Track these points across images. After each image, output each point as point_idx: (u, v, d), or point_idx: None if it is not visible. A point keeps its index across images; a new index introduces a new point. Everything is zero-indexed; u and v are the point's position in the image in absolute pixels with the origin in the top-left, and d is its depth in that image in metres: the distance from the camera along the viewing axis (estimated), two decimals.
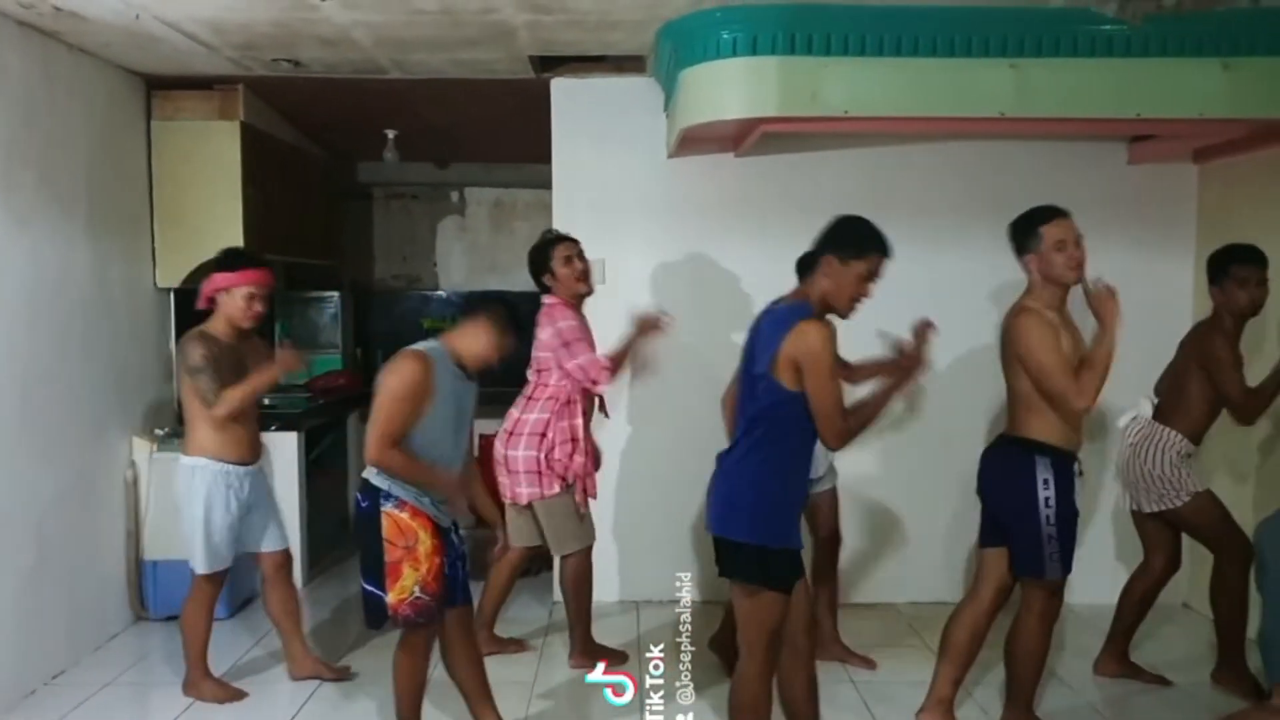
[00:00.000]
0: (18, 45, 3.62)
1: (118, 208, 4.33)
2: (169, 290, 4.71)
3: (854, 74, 3.59)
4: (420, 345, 2.88)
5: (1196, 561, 4.06)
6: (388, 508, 2.84)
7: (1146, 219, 4.56)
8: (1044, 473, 3.03)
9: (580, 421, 3.77)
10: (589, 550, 3.85)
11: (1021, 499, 3.05)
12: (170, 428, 4.54)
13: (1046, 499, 3.02)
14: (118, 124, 4.37)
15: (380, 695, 3.57)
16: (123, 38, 3.87)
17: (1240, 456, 4.25)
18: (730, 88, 3.69)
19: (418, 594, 2.85)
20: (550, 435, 3.72)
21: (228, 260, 3.53)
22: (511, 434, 3.74)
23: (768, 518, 2.67)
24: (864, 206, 4.52)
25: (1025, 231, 3.09)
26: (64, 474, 3.90)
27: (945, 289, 4.59)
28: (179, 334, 4.74)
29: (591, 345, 3.74)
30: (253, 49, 4.08)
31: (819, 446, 3.68)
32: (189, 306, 4.79)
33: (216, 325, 3.49)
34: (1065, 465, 3.05)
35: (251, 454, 3.57)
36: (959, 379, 4.44)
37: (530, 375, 3.80)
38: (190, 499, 3.48)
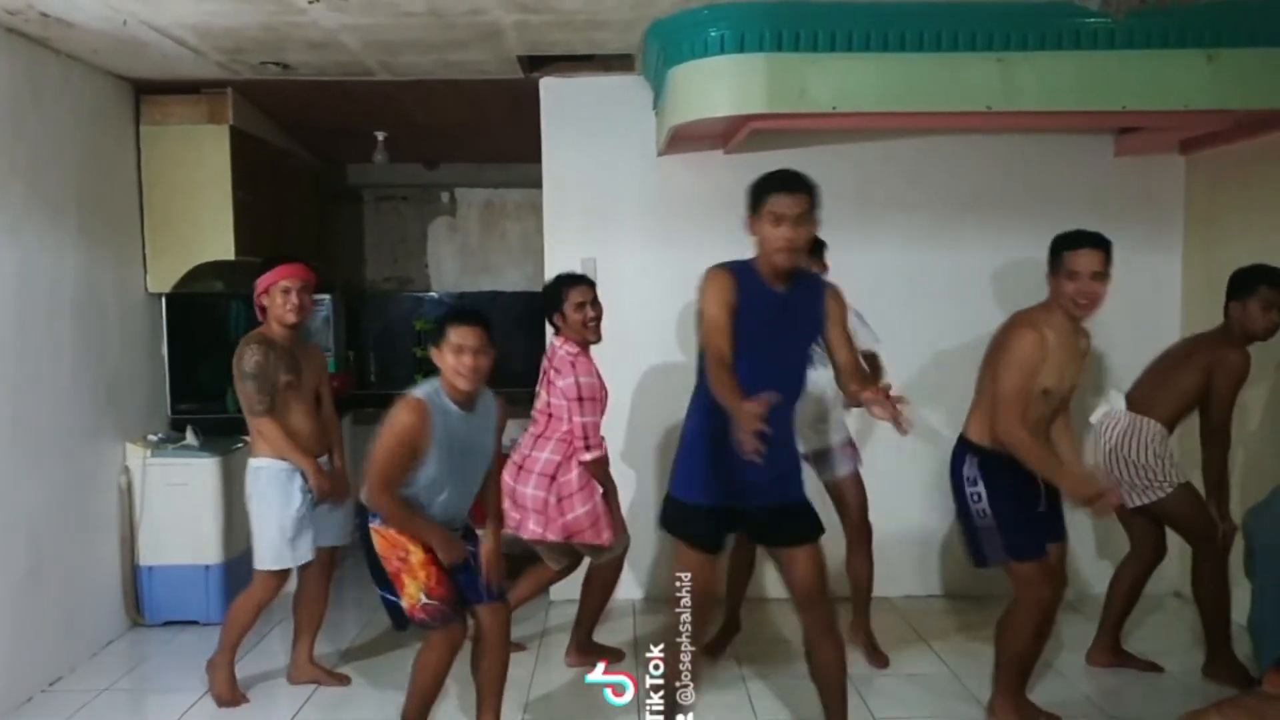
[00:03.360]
0: (5, 52, 3.61)
1: (108, 213, 4.33)
2: (160, 295, 4.71)
3: (841, 70, 3.61)
4: (419, 390, 2.89)
5: (1186, 550, 4.07)
6: (374, 524, 2.92)
7: (1134, 211, 4.59)
8: (970, 470, 3.15)
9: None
10: (624, 553, 3.86)
11: (957, 494, 3.19)
12: (164, 433, 4.54)
13: (974, 494, 3.15)
14: (106, 129, 4.37)
15: (377, 702, 3.59)
16: (110, 43, 3.87)
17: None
18: (719, 85, 3.71)
19: (425, 600, 2.90)
20: (559, 479, 3.67)
21: (266, 264, 3.59)
22: (521, 469, 3.70)
23: (678, 467, 2.86)
24: (853, 201, 4.60)
25: (1053, 250, 3.09)
26: (57, 480, 3.89)
27: (933, 283, 4.63)
28: (171, 339, 4.77)
29: (603, 407, 3.73)
30: (241, 53, 4.08)
31: (822, 427, 3.73)
32: (180, 311, 4.83)
33: (270, 328, 3.56)
34: (996, 464, 3.10)
35: (313, 449, 3.58)
36: (945, 372, 4.47)
37: (538, 415, 3.73)
38: (254, 498, 3.53)
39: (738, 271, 2.72)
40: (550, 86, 4.55)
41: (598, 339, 3.76)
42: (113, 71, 4.34)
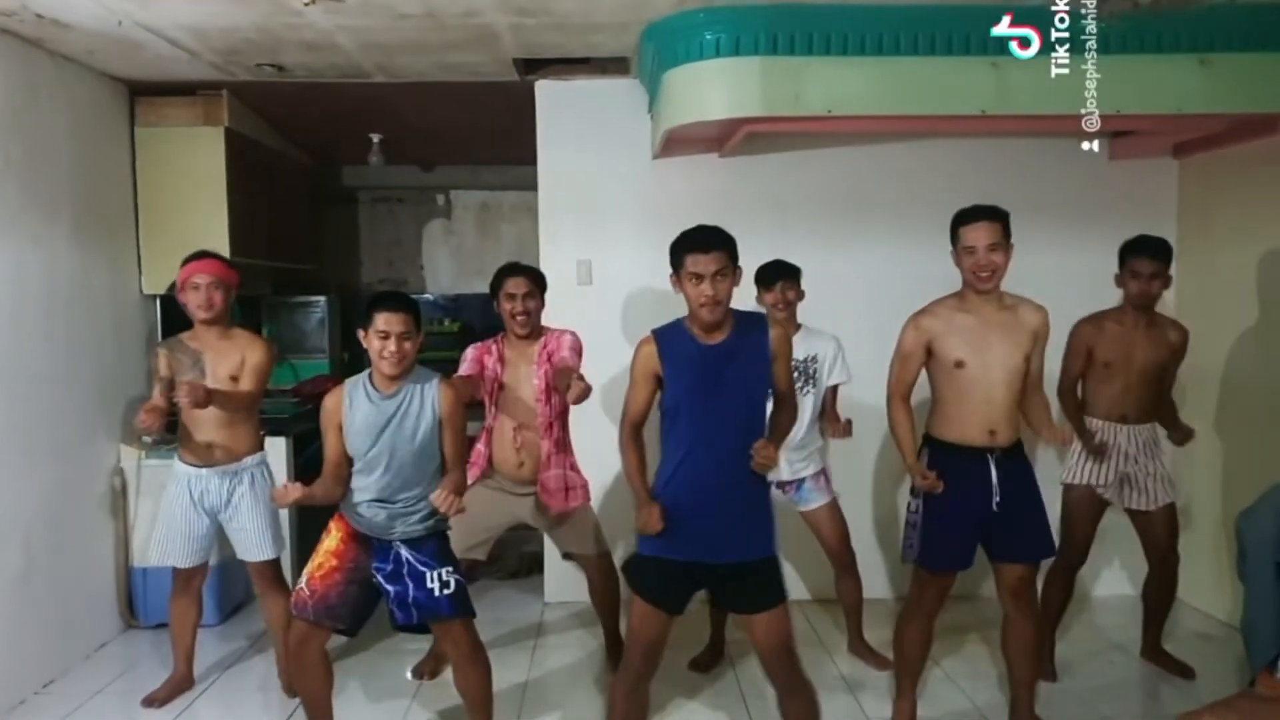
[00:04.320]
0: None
1: (102, 215, 4.32)
2: (154, 297, 4.70)
3: (836, 74, 3.62)
4: (354, 377, 3.01)
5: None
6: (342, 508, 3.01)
7: (1128, 214, 4.58)
8: (920, 462, 3.15)
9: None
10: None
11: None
12: (158, 435, 4.52)
13: (913, 488, 3.17)
14: (102, 131, 4.36)
15: (363, 704, 3.59)
16: (105, 44, 3.86)
17: (1212, 448, 4.31)
18: (713, 89, 3.71)
19: (302, 584, 2.95)
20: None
21: (191, 256, 3.53)
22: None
23: None
24: (847, 205, 4.62)
25: (951, 229, 3.11)
26: (50, 482, 3.89)
27: (927, 287, 4.61)
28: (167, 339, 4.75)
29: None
30: (236, 54, 4.08)
31: (795, 457, 3.74)
32: (175, 313, 4.81)
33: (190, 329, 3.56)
34: (948, 456, 3.09)
35: (205, 457, 3.54)
36: None
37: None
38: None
39: (663, 336, 2.77)
40: (546, 89, 4.56)
41: (521, 333, 3.69)
42: (108, 73, 4.33)
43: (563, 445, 3.72)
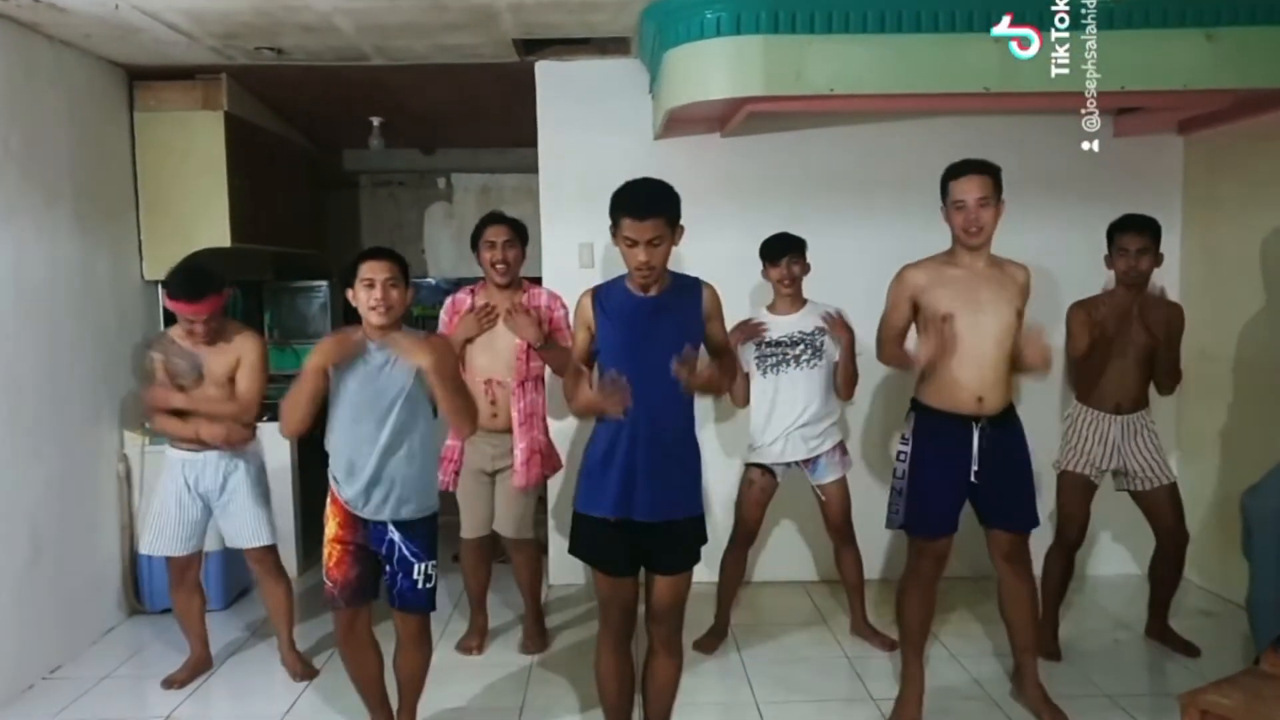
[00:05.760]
0: None
1: (103, 200, 4.31)
2: (156, 282, 4.69)
3: (838, 52, 3.59)
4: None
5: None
6: (332, 485, 2.95)
7: (1132, 191, 4.56)
8: (905, 428, 3.17)
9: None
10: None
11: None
12: None
13: (901, 453, 3.17)
14: (100, 116, 4.34)
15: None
16: (103, 29, 3.84)
17: (1217, 426, 4.30)
18: (715, 68, 3.68)
19: (325, 578, 2.94)
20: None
21: (170, 287, 3.47)
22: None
23: (579, 484, 2.78)
24: (850, 184, 4.59)
25: (941, 184, 3.09)
26: (55, 468, 3.89)
27: None
28: (166, 325, 4.74)
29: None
30: (234, 37, 4.06)
31: (812, 432, 3.74)
32: None
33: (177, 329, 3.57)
34: (934, 423, 3.08)
35: (200, 442, 3.55)
36: None
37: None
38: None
39: (601, 291, 2.78)
40: (546, 70, 4.53)
41: (500, 281, 3.73)
42: (106, 57, 4.31)
43: (534, 408, 3.77)
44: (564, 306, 3.76)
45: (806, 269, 3.79)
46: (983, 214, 2.97)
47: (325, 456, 2.98)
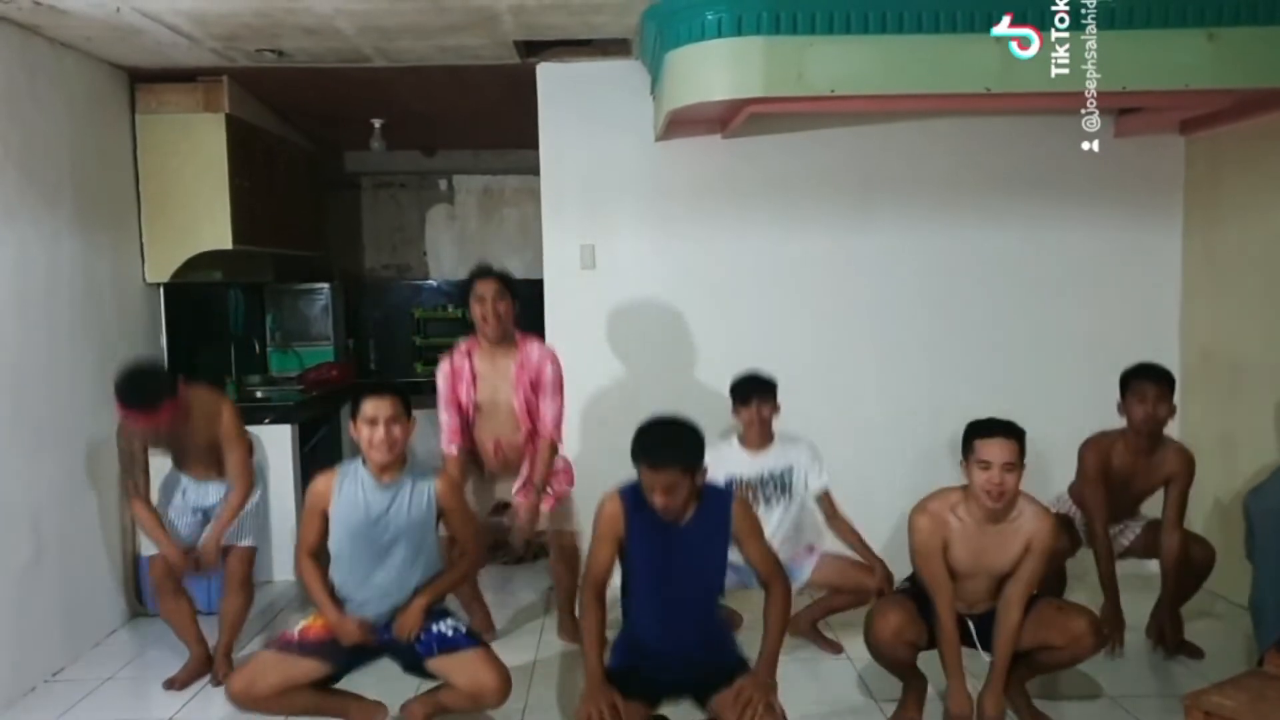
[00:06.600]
0: None
1: (104, 202, 4.31)
2: (158, 285, 4.70)
3: (839, 53, 3.58)
4: (346, 462, 3.03)
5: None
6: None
7: (1134, 191, 4.58)
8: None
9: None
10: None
11: None
12: None
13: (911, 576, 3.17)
14: (102, 118, 4.35)
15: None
16: (104, 31, 3.84)
17: (1219, 427, 4.29)
18: (716, 69, 3.68)
19: (297, 632, 2.94)
20: None
21: (123, 396, 3.37)
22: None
23: (614, 650, 2.83)
24: (852, 186, 4.59)
25: (965, 437, 3.00)
26: (58, 470, 3.90)
27: (932, 267, 4.62)
28: (169, 329, 4.77)
29: (459, 408, 3.76)
30: (235, 40, 4.06)
31: (789, 542, 3.74)
32: (178, 301, 4.82)
33: None
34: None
35: (203, 476, 3.70)
36: (940, 357, 4.49)
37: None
38: None
39: (629, 503, 2.70)
40: (547, 72, 4.53)
41: (491, 338, 3.72)
42: (107, 59, 4.31)
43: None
44: (555, 363, 3.77)
45: (776, 410, 3.74)
46: (1008, 479, 2.88)
47: (326, 459, 3.00)
